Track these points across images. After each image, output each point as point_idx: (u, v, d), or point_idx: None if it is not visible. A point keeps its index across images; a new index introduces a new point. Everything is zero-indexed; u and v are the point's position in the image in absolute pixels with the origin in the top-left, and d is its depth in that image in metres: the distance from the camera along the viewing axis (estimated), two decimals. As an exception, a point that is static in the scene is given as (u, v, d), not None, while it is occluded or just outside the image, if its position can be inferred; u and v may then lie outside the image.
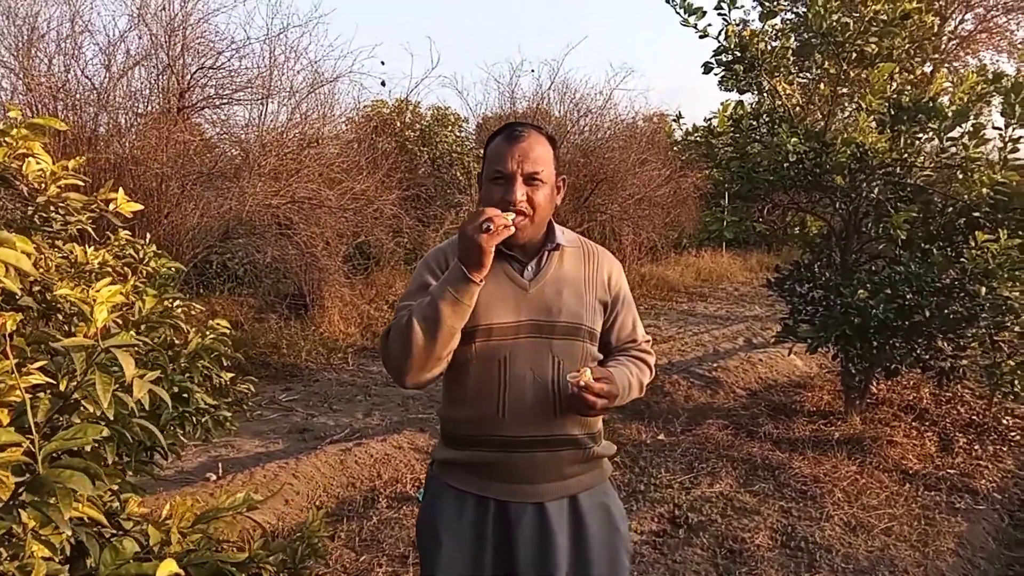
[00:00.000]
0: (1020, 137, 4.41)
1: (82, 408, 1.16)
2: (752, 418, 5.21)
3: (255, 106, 7.80)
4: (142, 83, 7.14)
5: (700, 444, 4.71)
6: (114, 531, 1.41)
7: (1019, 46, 18.73)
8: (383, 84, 11.36)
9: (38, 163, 1.81)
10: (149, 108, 7.10)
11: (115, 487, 1.26)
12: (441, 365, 1.63)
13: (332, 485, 3.95)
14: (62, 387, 1.11)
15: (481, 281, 1.54)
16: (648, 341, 1.90)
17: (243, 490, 3.62)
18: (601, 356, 1.79)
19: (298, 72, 8.11)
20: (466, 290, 1.54)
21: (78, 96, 6.47)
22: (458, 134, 12.57)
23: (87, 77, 6.69)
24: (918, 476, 4.23)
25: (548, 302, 1.68)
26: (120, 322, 1.57)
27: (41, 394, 1.07)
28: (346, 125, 9.75)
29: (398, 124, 11.50)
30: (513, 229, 1.53)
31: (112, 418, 1.03)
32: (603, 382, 1.59)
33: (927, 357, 4.69)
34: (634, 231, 11.22)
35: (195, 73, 7.44)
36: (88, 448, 1.11)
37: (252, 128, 7.77)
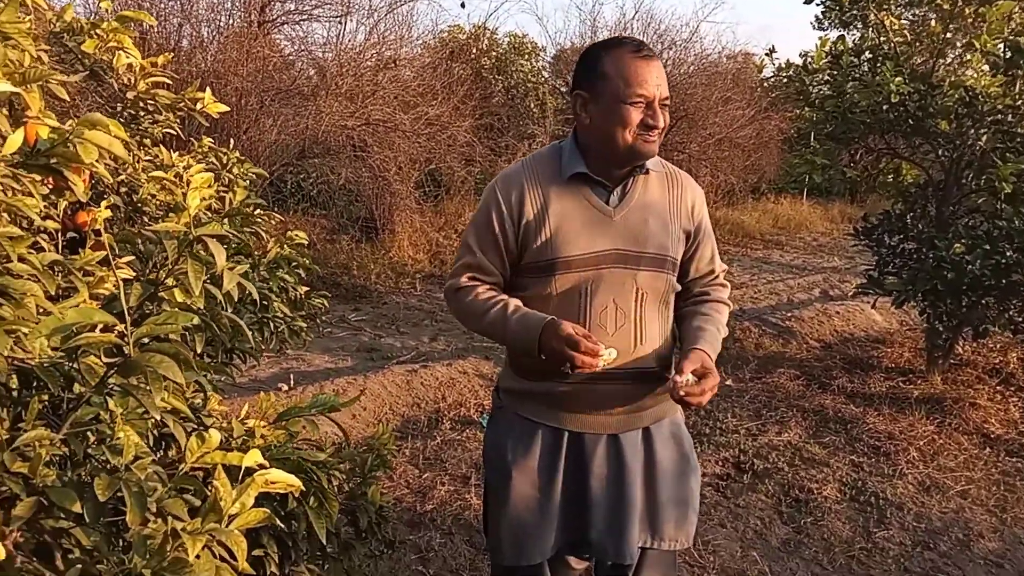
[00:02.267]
0: None
1: (168, 300, 1.15)
2: (825, 370, 5.05)
3: (333, 24, 7.74)
4: (224, -4, 7.13)
5: (769, 392, 4.60)
6: (196, 425, 1.42)
7: None
8: (463, 6, 11.17)
9: (128, 57, 1.79)
10: (231, 22, 7.11)
11: (202, 379, 1.25)
12: None
13: (398, 404, 4.01)
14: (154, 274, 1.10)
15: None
16: (725, 270, 1.85)
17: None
18: (679, 287, 1.74)
19: (378, -11, 7.97)
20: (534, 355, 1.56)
21: (163, 5, 6.51)
22: (534, 63, 12.28)
23: (172, -12, 6.71)
24: (1000, 441, 4.04)
25: (635, 231, 1.61)
26: (210, 215, 1.57)
27: (134, 283, 1.06)
28: (422, 48, 9.62)
29: (474, 50, 11.28)
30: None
31: (202, 307, 1.02)
32: (703, 372, 1.57)
33: (1021, 319, 4.44)
34: (712, 173, 10.86)
35: (277, -14, 7.40)
36: (176, 337, 1.10)
37: (330, 47, 7.73)
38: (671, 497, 1.71)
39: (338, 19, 7.66)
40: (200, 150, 2.43)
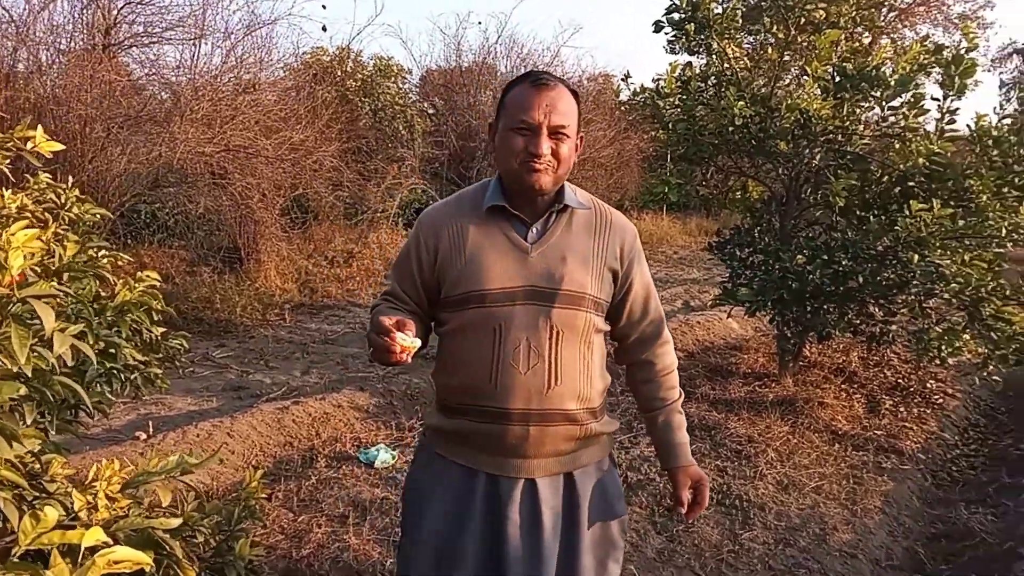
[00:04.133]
0: (957, 109, 4.51)
1: (-3, 363, 1.06)
2: (689, 379, 5.30)
3: (187, 47, 7.43)
4: (65, 17, 6.72)
5: (639, 404, 4.76)
6: (37, 494, 1.31)
7: (955, 20, 19.27)
8: (324, 29, 11.11)
9: (-55, 95, 1.65)
10: (72, 45, 6.67)
11: (36, 448, 1.16)
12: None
13: (269, 444, 3.85)
14: (-27, 340, 1.01)
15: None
16: (663, 319, 1.78)
17: (175, 450, 3.51)
18: (607, 327, 1.69)
19: (234, 12, 7.81)
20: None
21: (-7, 28, 6.03)
22: (401, 86, 12.26)
23: (4, 8, 6.24)
24: (847, 437, 4.37)
25: (550, 268, 1.56)
26: (39, 271, 1.45)
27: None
28: (284, 71, 9.40)
29: (339, 73, 11.14)
30: (406, 359, 1.43)
31: (30, 375, 0.94)
32: (695, 486, 1.71)
33: (858, 322, 4.83)
34: (577, 192, 11.19)
35: (122, 8, 7.02)
36: (5, 407, 1.01)
37: (184, 70, 7.40)
38: (590, 548, 1.65)
39: (192, 41, 7.36)
40: (36, 187, 2.26)
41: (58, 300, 1.38)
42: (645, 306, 1.72)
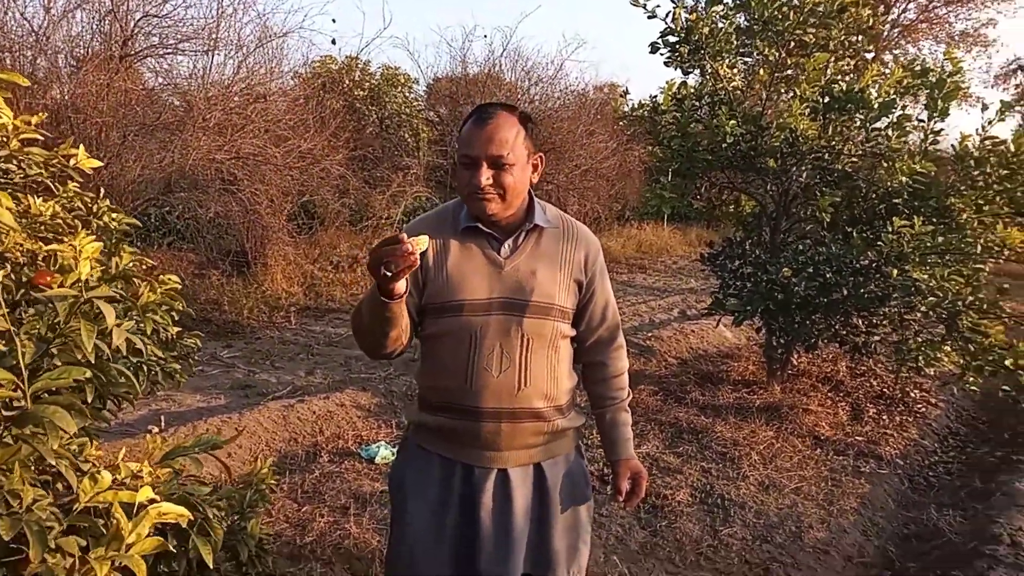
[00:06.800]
0: (941, 130, 4.71)
1: (56, 355, 1.26)
2: (681, 385, 5.48)
3: (200, 57, 7.66)
4: (83, 27, 6.94)
5: (631, 408, 4.94)
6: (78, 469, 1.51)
7: (956, 38, 19.48)
8: (333, 42, 11.36)
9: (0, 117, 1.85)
10: (90, 53, 6.91)
11: (88, 426, 1.36)
12: (398, 343, 1.72)
13: (275, 440, 4.05)
14: (42, 332, 1.21)
15: (398, 298, 1.56)
16: (618, 326, 1.95)
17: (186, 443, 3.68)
18: (573, 332, 1.85)
19: (246, 24, 8.00)
20: (384, 306, 1.56)
21: (15, 38, 6.26)
22: (407, 95, 12.48)
23: (25, 19, 6.48)
24: (829, 442, 4.55)
25: (521, 280, 1.73)
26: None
27: (26, 339, 1.17)
28: (294, 81, 9.63)
29: (347, 82, 11.37)
30: (418, 261, 1.45)
31: (93, 362, 1.14)
32: (634, 478, 1.89)
33: (843, 332, 5.02)
34: (579, 202, 11.41)
35: (139, 20, 7.25)
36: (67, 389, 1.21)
37: (197, 80, 7.63)
38: (562, 531, 1.84)
39: (205, 52, 7.60)
40: (65, 195, 2.46)
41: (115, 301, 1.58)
42: (604, 313, 1.90)
